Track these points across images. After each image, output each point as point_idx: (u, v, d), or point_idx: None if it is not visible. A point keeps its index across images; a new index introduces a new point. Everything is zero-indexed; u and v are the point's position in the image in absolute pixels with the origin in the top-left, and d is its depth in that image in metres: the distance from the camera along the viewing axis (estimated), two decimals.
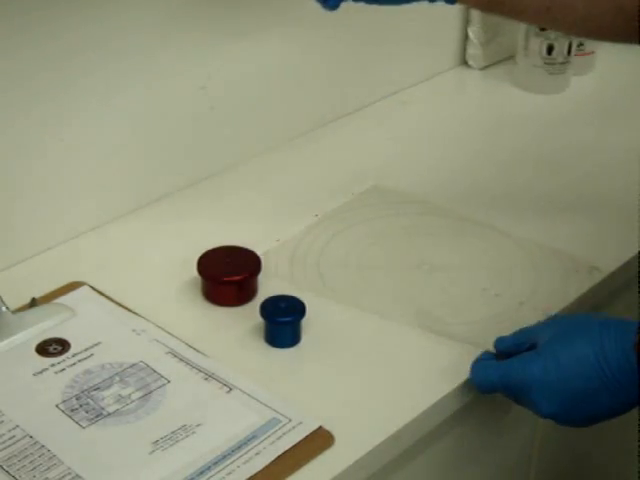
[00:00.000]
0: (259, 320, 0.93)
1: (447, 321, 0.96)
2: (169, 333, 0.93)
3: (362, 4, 0.97)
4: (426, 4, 0.98)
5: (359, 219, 1.11)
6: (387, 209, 1.13)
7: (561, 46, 1.36)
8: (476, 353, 0.90)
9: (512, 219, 1.12)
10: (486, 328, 0.94)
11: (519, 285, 1.01)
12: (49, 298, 0.97)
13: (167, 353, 0.91)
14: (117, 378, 0.88)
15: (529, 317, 0.94)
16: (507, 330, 0.91)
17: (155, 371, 0.89)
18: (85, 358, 0.90)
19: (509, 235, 1.09)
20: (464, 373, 0.90)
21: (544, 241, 1.08)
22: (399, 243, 1.07)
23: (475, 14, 1.41)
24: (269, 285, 0.99)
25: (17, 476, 0.78)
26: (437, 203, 1.13)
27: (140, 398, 0.86)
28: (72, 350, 0.91)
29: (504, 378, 0.85)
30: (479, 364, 0.88)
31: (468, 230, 1.10)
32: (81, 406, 0.85)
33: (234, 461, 0.80)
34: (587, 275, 1.03)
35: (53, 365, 0.89)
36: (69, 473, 0.79)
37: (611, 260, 1.04)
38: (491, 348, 0.91)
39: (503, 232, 1.09)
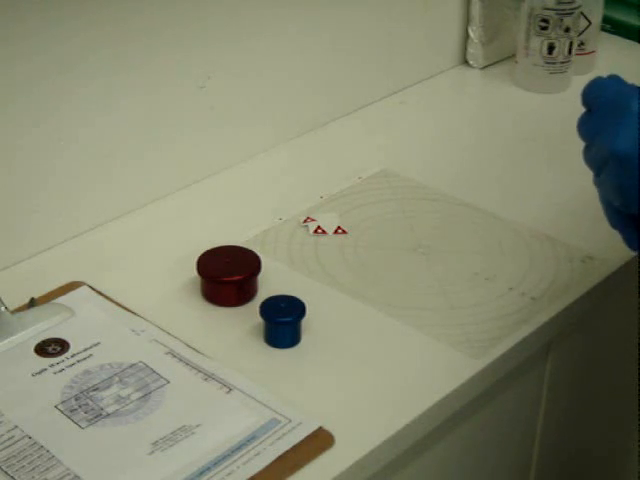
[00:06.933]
0: (259, 320, 0.93)
1: (431, 306, 0.97)
2: (168, 333, 0.93)
3: None
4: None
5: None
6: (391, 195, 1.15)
7: (562, 45, 1.36)
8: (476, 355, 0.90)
9: (510, 207, 1.12)
10: (469, 313, 0.96)
11: (510, 271, 1.02)
12: (48, 298, 0.97)
13: (166, 353, 0.90)
14: (116, 378, 0.88)
15: (516, 302, 0.97)
16: (491, 314, 0.95)
17: (154, 371, 0.89)
18: (84, 358, 0.90)
19: (506, 222, 1.09)
20: (464, 374, 0.89)
21: (540, 229, 1.08)
22: (398, 226, 1.09)
23: (476, 13, 1.40)
24: (269, 285, 0.99)
25: (16, 477, 0.78)
26: (437, 192, 1.15)
27: (139, 398, 0.86)
28: (71, 350, 0.91)
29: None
30: None
31: (466, 216, 1.11)
32: (80, 407, 0.85)
33: (234, 462, 0.80)
34: (580, 264, 1.03)
35: (52, 365, 0.89)
36: (68, 474, 0.78)
37: (606, 250, 1.04)
38: (469, 337, 0.92)
39: (500, 219, 1.10)
